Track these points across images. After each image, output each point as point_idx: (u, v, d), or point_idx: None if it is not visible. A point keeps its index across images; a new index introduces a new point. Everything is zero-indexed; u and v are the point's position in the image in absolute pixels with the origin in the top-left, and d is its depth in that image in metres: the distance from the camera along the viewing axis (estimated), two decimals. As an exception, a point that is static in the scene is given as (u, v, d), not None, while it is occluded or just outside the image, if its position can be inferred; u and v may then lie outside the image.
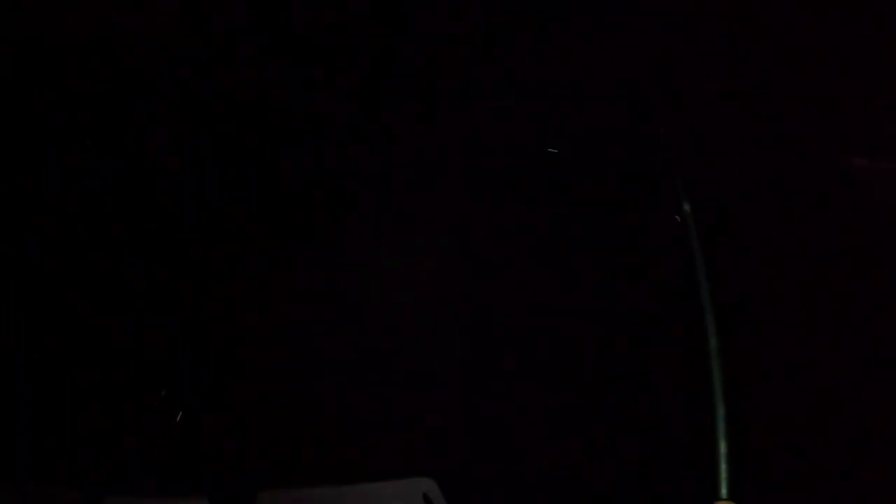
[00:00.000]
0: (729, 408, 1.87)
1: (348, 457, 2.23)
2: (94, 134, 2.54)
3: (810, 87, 2.40)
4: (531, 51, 2.63)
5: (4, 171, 2.46)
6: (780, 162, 2.40)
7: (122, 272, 2.42)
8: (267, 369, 2.35)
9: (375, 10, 2.60)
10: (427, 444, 2.22)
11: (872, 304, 2.22)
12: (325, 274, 2.47)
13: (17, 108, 2.49)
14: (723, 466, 1.23)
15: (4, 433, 2.18)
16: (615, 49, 2.56)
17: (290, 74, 2.60)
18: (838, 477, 2.03)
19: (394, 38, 2.61)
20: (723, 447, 1.24)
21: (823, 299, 2.25)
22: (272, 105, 2.60)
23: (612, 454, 2.16)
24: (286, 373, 2.35)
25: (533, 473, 2.13)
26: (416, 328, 2.40)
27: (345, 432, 2.26)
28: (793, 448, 2.10)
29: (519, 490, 2.12)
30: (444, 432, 2.24)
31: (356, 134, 2.60)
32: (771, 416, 2.15)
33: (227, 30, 2.58)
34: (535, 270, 2.46)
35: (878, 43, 2.32)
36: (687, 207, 1.80)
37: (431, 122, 2.60)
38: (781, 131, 2.42)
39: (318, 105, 2.61)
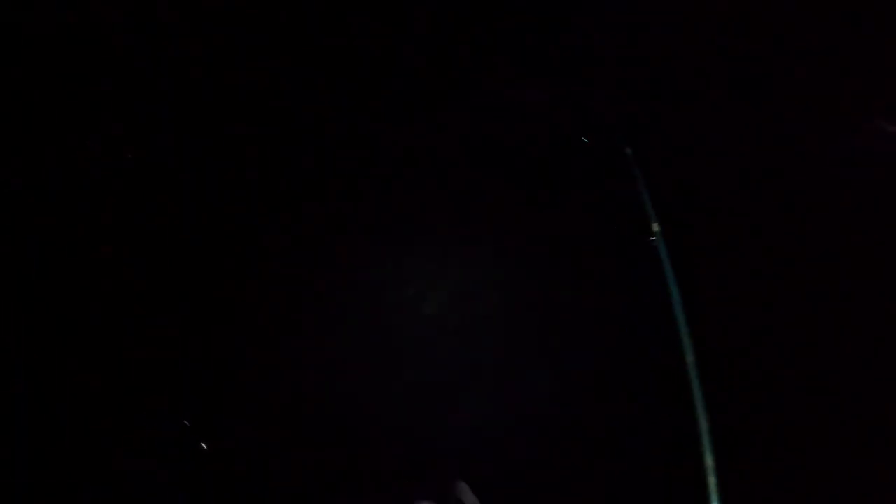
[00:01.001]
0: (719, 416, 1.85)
1: (348, 457, 2.23)
2: (94, 134, 2.54)
3: (810, 87, 2.40)
4: (531, 50, 2.63)
5: (4, 171, 2.46)
6: (780, 162, 2.40)
7: (122, 272, 2.43)
8: (266, 370, 2.36)
9: (375, 10, 2.60)
10: (427, 445, 2.22)
11: (872, 303, 2.22)
12: (325, 273, 2.47)
13: (17, 108, 2.50)
14: (711, 479, 1.22)
15: (4, 432, 2.19)
16: (615, 49, 2.56)
17: (290, 74, 2.60)
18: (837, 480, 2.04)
19: (394, 38, 2.61)
20: (709, 460, 1.22)
21: (823, 299, 2.25)
22: (272, 105, 2.60)
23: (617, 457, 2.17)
24: (285, 373, 2.36)
25: (538, 479, 2.14)
26: (416, 328, 2.40)
27: (343, 432, 2.27)
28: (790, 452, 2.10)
29: (521, 494, 2.13)
30: (443, 432, 2.24)
31: (356, 134, 2.60)
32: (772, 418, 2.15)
33: (227, 30, 2.58)
34: (534, 270, 2.46)
35: (878, 43, 2.32)
36: (657, 227, 1.77)
37: (431, 121, 2.60)
38: (781, 131, 2.42)
39: (318, 105, 2.61)
